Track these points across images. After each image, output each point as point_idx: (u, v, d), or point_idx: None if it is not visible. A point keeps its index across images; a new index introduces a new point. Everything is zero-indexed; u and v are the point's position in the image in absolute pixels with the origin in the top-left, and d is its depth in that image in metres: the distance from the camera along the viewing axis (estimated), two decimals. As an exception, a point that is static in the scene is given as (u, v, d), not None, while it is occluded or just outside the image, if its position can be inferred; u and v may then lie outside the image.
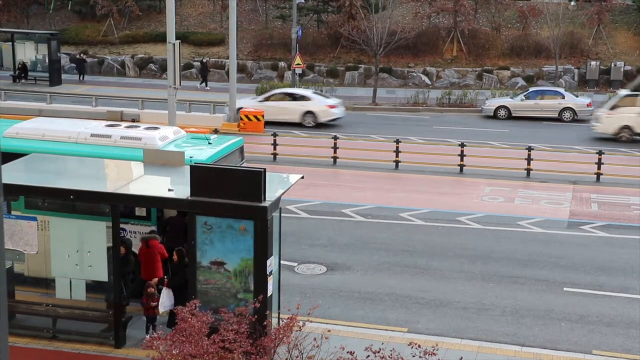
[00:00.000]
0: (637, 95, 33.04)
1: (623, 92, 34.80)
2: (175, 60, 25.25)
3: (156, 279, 13.37)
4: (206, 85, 44.63)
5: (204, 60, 46.80)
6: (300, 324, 10.46)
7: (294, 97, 35.62)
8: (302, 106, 34.65)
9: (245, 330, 10.21)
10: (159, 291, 12.98)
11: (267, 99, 35.40)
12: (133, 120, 28.31)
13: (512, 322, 14.67)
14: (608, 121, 32.69)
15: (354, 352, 9.62)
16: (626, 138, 32.37)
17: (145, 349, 10.37)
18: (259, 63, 49.09)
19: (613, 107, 33.02)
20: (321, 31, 51.57)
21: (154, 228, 14.46)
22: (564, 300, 15.78)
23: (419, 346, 9.65)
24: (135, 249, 13.93)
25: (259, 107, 33.77)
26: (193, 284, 11.83)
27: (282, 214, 12.71)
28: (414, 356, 9.58)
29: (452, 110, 39.97)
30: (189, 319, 10.03)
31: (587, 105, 37.74)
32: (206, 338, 9.87)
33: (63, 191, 12.61)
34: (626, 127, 32.34)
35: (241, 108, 33.99)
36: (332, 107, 34.95)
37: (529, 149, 26.61)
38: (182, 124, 24.43)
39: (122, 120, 28.70)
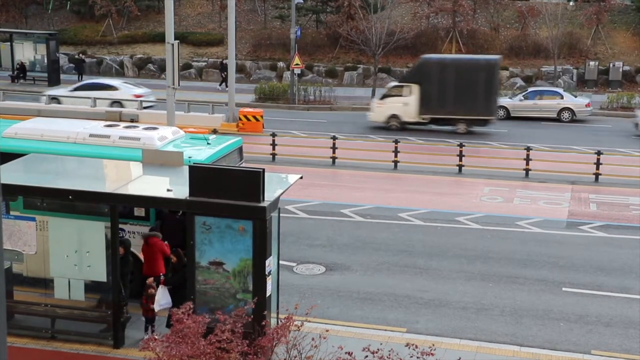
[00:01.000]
0: (403, 85, 34.54)
1: (392, 83, 36.67)
2: (174, 61, 25.26)
3: (152, 279, 13.38)
4: (226, 86, 44.11)
5: (224, 62, 46.69)
6: (299, 324, 10.45)
7: (101, 87, 36.97)
8: (109, 96, 36.17)
9: (239, 330, 10.19)
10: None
11: (77, 89, 36.75)
12: (132, 121, 28.33)
13: (511, 322, 14.67)
14: (379, 110, 34.44)
15: (352, 353, 9.62)
16: (395, 126, 33.95)
17: (142, 350, 10.36)
18: (258, 63, 49.11)
19: (383, 97, 34.65)
20: (320, 31, 51.59)
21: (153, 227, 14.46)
22: (563, 300, 15.78)
23: (416, 347, 9.65)
24: (135, 248, 13.94)
25: (69, 96, 35.53)
26: (192, 284, 11.82)
27: (280, 214, 12.70)
28: (411, 357, 9.58)
29: (450, 111, 39.93)
30: (185, 320, 10.03)
31: (586, 106, 37.80)
32: (203, 339, 9.86)
33: (62, 191, 12.60)
34: (394, 116, 33.97)
35: (55, 98, 35.87)
36: (138, 96, 36.23)
37: (528, 149, 26.64)
38: (181, 124, 24.43)
39: (120, 120, 28.68)
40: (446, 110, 33.52)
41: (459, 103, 33.27)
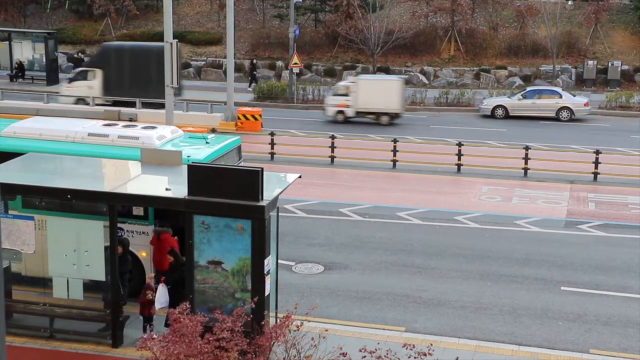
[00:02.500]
0: (88, 70, 37.35)
1: (79, 68, 39.90)
2: (173, 60, 25.22)
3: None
4: (256, 84, 43.75)
5: (254, 61, 46.58)
6: (298, 323, 10.45)
7: None
8: None
9: (239, 329, 10.19)
10: (156, 289, 12.97)
11: None
12: (130, 120, 28.29)
13: (509, 322, 14.68)
14: (68, 93, 36.85)
15: (346, 353, 9.61)
16: (85, 103, 35.65)
17: (139, 350, 10.35)
18: (257, 62, 49.03)
19: (71, 81, 38.19)
20: (319, 30, 51.59)
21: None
22: (562, 299, 15.79)
23: (413, 346, 9.65)
24: (133, 247, 13.95)
25: None
26: (190, 283, 11.82)
27: (279, 213, 12.70)
28: (409, 357, 9.58)
29: (449, 110, 39.99)
30: (183, 319, 10.03)
31: (585, 105, 37.81)
32: (200, 338, 9.85)
33: (60, 190, 12.59)
34: (81, 99, 35.78)
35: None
36: None
37: (527, 148, 26.65)
38: (180, 123, 24.41)
39: (119, 119, 28.65)
40: (124, 92, 35.64)
41: (135, 86, 35.69)
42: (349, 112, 35.01)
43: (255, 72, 45.61)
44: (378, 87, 35.61)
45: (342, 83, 37.23)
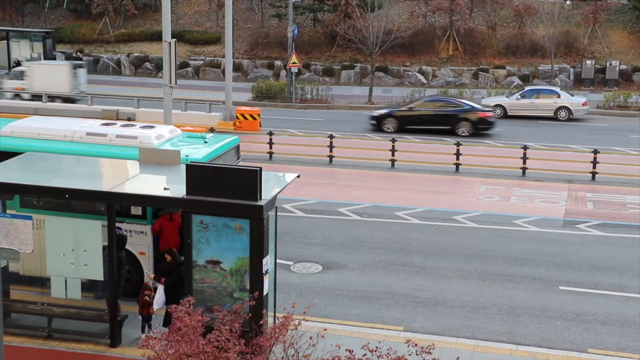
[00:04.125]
0: None
1: None
2: (171, 59, 25.19)
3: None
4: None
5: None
6: (296, 322, 10.45)
7: None
8: None
9: (239, 330, 10.19)
10: (155, 289, 12.96)
11: None
12: (129, 119, 28.28)
13: (507, 321, 14.68)
14: None
15: (352, 351, 9.62)
16: None
17: (141, 348, 10.35)
18: (255, 62, 49.09)
19: None
20: (317, 30, 51.59)
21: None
22: (560, 298, 15.80)
23: (416, 345, 9.66)
24: (130, 246, 13.94)
25: None
26: (189, 283, 11.82)
27: (278, 213, 12.70)
28: (410, 354, 9.58)
29: (448, 109, 39.93)
30: (185, 318, 10.02)
31: (583, 105, 37.85)
32: (201, 338, 9.85)
33: (58, 190, 12.58)
34: None
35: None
36: None
37: (525, 147, 26.67)
38: (178, 122, 24.39)
39: (117, 119, 28.65)
40: None
41: None
42: (26, 95, 36.53)
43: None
44: (49, 72, 37.37)
45: (19, 68, 39.35)
